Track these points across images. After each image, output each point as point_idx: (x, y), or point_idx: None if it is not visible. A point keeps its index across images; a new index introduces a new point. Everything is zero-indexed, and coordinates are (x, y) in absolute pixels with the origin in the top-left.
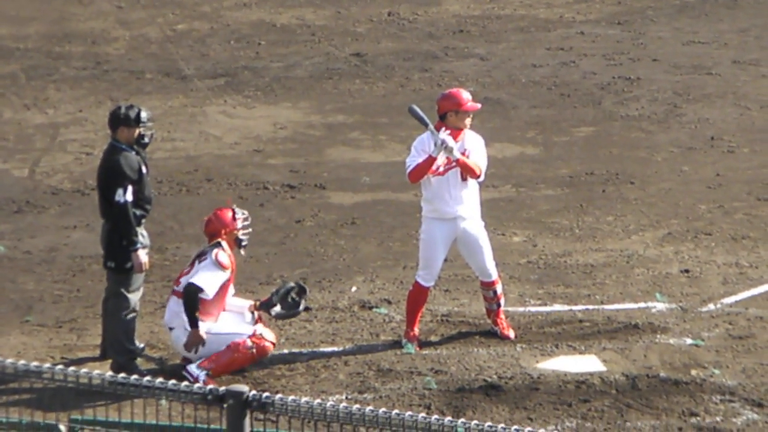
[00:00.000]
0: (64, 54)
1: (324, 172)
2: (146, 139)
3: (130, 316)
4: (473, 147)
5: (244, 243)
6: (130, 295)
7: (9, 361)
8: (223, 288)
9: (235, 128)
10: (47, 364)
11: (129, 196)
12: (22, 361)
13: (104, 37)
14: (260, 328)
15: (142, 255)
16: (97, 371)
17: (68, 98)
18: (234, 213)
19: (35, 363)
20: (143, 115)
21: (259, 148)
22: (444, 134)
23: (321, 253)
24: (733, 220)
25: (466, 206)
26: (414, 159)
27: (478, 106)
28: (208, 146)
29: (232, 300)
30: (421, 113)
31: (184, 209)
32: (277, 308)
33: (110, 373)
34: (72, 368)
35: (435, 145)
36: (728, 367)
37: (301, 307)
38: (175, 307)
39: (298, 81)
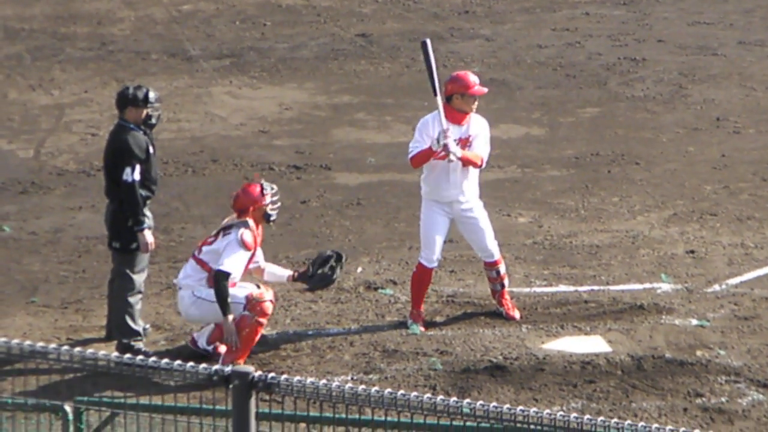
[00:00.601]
0: (70, 35)
1: (329, 152)
2: (153, 120)
3: (136, 296)
4: (477, 132)
5: (272, 218)
6: (135, 276)
7: (15, 341)
8: (245, 265)
9: (241, 109)
10: (53, 345)
11: (137, 176)
12: (27, 342)
13: (110, 18)
14: (254, 291)
15: (148, 235)
16: (102, 352)
17: (73, 79)
18: (262, 188)
19: (41, 344)
20: (151, 95)
21: (264, 129)
22: (449, 140)
23: (326, 233)
24: (738, 201)
25: (465, 190)
26: (416, 145)
27: (485, 90)
28: (214, 127)
29: (270, 268)
30: (431, 55)
31: (189, 190)
32: (316, 275)
33: (116, 354)
34: (77, 349)
35: (437, 141)
36: (733, 348)
37: (336, 274)
38: (191, 271)
39: (303, 62)
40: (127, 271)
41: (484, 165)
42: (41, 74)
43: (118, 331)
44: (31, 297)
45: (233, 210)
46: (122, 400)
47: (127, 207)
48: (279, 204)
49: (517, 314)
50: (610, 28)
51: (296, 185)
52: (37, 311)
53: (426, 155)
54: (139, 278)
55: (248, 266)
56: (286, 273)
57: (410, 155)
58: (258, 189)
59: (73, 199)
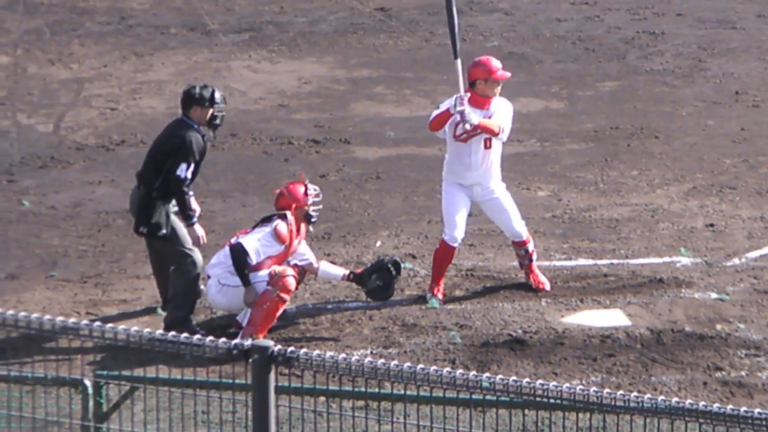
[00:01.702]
0: (89, 9)
1: (349, 126)
2: (218, 121)
3: (193, 271)
4: (497, 108)
5: (313, 219)
6: (186, 251)
7: (34, 316)
8: (276, 257)
9: (260, 83)
10: (72, 320)
11: (189, 174)
12: (47, 317)
13: None
14: (277, 267)
15: (198, 229)
16: (122, 327)
17: (93, 53)
18: (306, 188)
19: (60, 318)
20: (217, 96)
21: (283, 103)
22: (465, 106)
23: (346, 208)
24: (758, 174)
25: (485, 174)
26: (437, 110)
27: (508, 75)
28: (233, 101)
29: (324, 266)
30: (455, 15)
31: (209, 165)
32: (373, 283)
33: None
34: (97, 323)
35: (454, 105)
36: (753, 322)
37: (392, 288)
38: (223, 258)
39: (322, 36)
40: (178, 248)
41: (504, 136)
42: (60, 49)
43: (174, 303)
44: (50, 271)
45: (275, 207)
46: (142, 375)
47: (177, 202)
48: (321, 206)
49: (547, 285)
50: (629, 1)
51: (315, 159)
52: (56, 285)
53: (444, 118)
54: (189, 253)
55: (282, 260)
56: (340, 272)
57: (430, 118)
58: (302, 189)
59: (92, 173)
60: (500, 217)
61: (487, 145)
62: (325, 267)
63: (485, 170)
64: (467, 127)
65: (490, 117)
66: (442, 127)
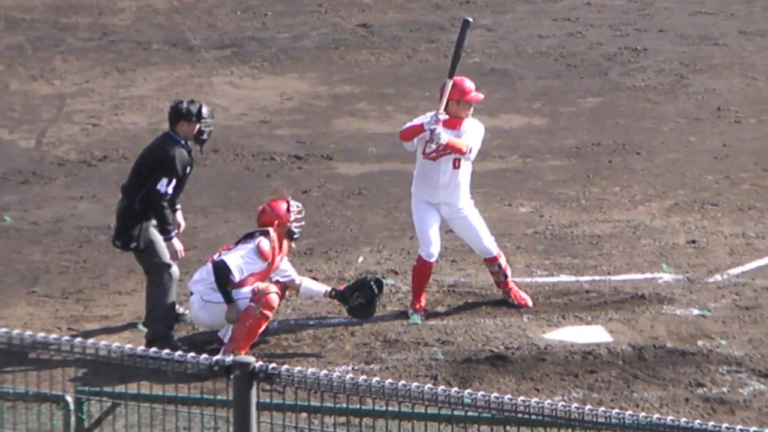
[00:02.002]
0: (71, 25)
1: (331, 142)
2: (205, 136)
3: (169, 284)
4: (467, 129)
5: (296, 236)
6: (162, 265)
7: (16, 332)
8: (258, 274)
9: (242, 99)
10: (54, 335)
11: (170, 189)
12: (28, 332)
13: (111, 8)
14: (260, 284)
15: (177, 243)
16: (103, 342)
17: (75, 69)
18: (289, 205)
19: (42, 334)
20: (204, 111)
21: (265, 119)
22: (438, 126)
23: (328, 223)
24: (739, 191)
25: (453, 193)
26: (410, 122)
27: (481, 96)
28: (215, 117)
29: (306, 282)
30: (466, 37)
31: (191, 180)
32: (355, 301)
33: (129, 345)
34: (78, 339)
35: (429, 122)
36: (735, 338)
37: (374, 306)
38: (205, 274)
39: (304, 52)
40: (155, 260)
41: (470, 155)
42: (42, 64)
43: (153, 317)
44: (31, 287)
45: (257, 224)
46: (123, 391)
47: (155, 216)
48: (303, 223)
49: (529, 301)
50: (611, 17)
51: (297, 175)
52: (37, 301)
53: (416, 130)
54: (167, 267)
55: (265, 277)
56: (322, 289)
57: (402, 128)
58: (284, 206)
59: (74, 189)
60: (469, 234)
61: (456, 165)
62: (307, 284)
63: (453, 190)
64: (433, 146)
65: (460, 137)
66: (412, 139)
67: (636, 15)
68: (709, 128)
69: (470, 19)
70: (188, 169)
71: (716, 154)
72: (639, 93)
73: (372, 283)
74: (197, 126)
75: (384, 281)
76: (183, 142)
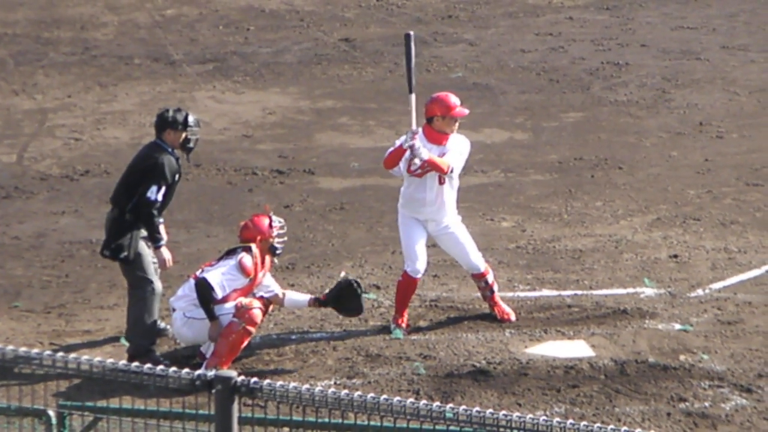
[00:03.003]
0: (53, 39)
1: (313, 157)
2: (191, 144)
3: (150, 298)
4: (451, 147)
5: (278, 251)
6: (145, 278)
7: None
8: (241, 290)
9: (224, 113)
10: (36, 350)
11: (159, 196)
12: (10, 347)
13: (93, 23)
14: (243, 299)
15: (165, 252)
16: (85, 357)
17: (57, 84)
18: (271, 221)
19: (24, 348)
20: (190, 119)
21: (248, 134)
22: (415, 140)
23: (310, 238)
24: (721, 206)
25: (439, 210)
26: (391, 148)
27: (466, 112)
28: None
29: (290, 294)
30: (413, 50)
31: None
32: (343, 304)
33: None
34: (60, 354)
35: (406, 140)
36: (717, 353)
37: (362, 300)
38: (188, 290)
39: (287, 66)
40: (138, 273)
41: (453, 172)
42: (24, 79)
43: (135, 332)
44: (13, 302)
45: (239, 239)
46: (105, 405)
47: (144, 224)
48: (285, 238)
49: (512, 316)
50: (593, 32)
51: (279, 190)
52: (20, 316)
53: (397, 154)
54: (150, 281)
55: (248, 292)
56: (306, 298)
57: (384, 156)
58: (267, 221)
59: (56, 203)
60: (456, 250)
61: (442, 181)
62: (291, 295)
63: (439, 206)
64: (417, 162)
65: (445, 153)
66: (397, 164)
67: (618, 30)
68: (691, 143)
69: (412, 33)
70: (177, 176)
71: (698, 168)
72: (621, 108)
73: (353, 282)
74: (183, 134)
75: (366, 296)
76: (170, 150)
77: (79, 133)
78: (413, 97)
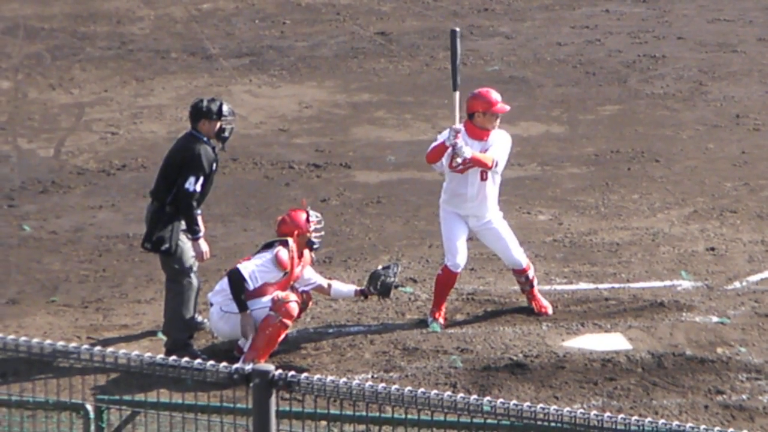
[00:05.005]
0: (89, 34)
1: (349, 151)
2: (226, 133)
3: (188, 292)
4: (495, 141)
5: (316, 246)
6: (183, 271)
7: (35, 341)
8: (277, 284)
9: (261, 107)
10: (73, 344)
11: (198, 187)
12: (48, 341)
13: (129, 17)
14: (280, 293)
15: (203, 244)
16: (123, 351)
17: (93, 78)
18: (308, 215)
19: (61, 343)
20: (225, 108)
21: (284, 128)
22: (458, 140)
23: (346, 232)
24: (758, 198)
25: (480, 205)
26: (434, 142)
27: (507, 108)
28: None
29: (336, 285)
30: (458, 47)
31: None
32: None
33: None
34: (98, 348)
35: (448, 138)
36: (754, 345)
37: (392, 278)
38: (225, 285)
39: (323, 60)
40: (176, 266)
41: (498, 168)
42: (61, 73)
43: (173, 327)
44: (51, 296)
45: (277, 233)
46: (143, 399)
47: (184, 215)
48: (323, 233)
49: (550, 309)
50: (629, 25)
51: (316, 183)
52: (57, 310)
53: (440, 150)
54: (187, 274)
55: (285, 286)
56: (352, 289)
57: (427, 150)
58: (304, 216)
59: (93, 198)
60: (498, 245)
61: (484, 177)
62: (337, 286)
63: (481, 202)
64: (459, 160)
65: (487, 149)
66: (439, 159)
67: (654, 22)
68: (727, 135)
69: (458, 29)
70: (214, 166)
71: (735, 161)
72: (658, 100)
73: (383, 267)
74: (218, 124)
75: (403, 289)
76: (206, 140)
77: (116, 127)
78: (457, 94)
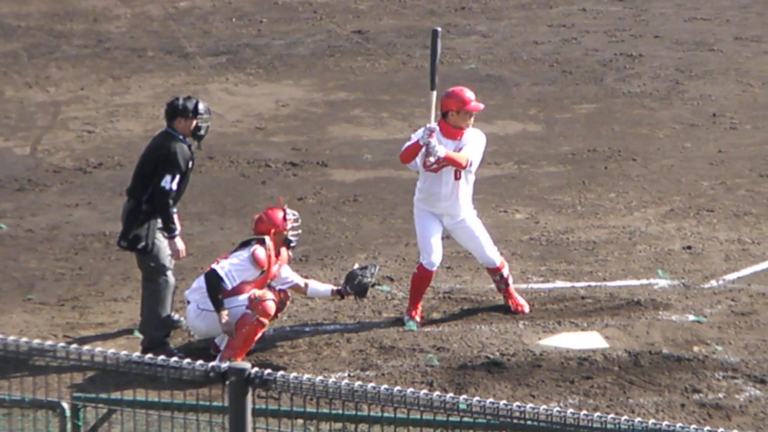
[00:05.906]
0: (66, 32)
1: (326, 149)
2: (202, 131)
3: (165, 291)
4: (469, 140)
5: (293, 244)
6: (159, 270)
7: (11, 339)
8: (254, 282)
9: (237, 106)
10: (49, 342)
11: (174, 185)
12: (24, 339)
13: (106, 15)
14: (257, 291)
15: (179, 242)
16: (99, 349)
17: (70, 76)
18: (285, 213)
19: (37, 341)
20: (200, 107)
21: (261, 126)
22: (432, 138)
23: (323, 230)
24: (735, 197)
25: (456, 204)
26: (409, 141)
27: (481, 106)
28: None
29: (313, 284)
30: (439, 47)
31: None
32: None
33: (125, 352)
34: (74, 346)
35: (422, 137)
36: (731, 344)
37: (368, 278)
38: (202, 282)
39: (299, 58)
40: (152, 264)
41: (471, 167)
42: (37, 71)
43: (149, 325)
44: (27, 294)
45: (254, 232)
46: (119, 397)
47: (160, 214)
48: (300, 231)
49: (526, 307)
50: (606, 24)
51: (293, 182)
52: (33, 308)
53: (414, 149)
54: (164, 272)
55: (262, 285)
56: (328, 288)
57: (401, 150)
58: (281, 214)
59: (69, 196)
60: (471, 244)
61: (457, 176)
62: (314, 285)
63: (454, 201)
64: (432, 159)
65: (461, 148)
66: (413, 158)
67: (631, 21)
68: (704, 134)
69: (439, 29)
70: (190, 164)
71: (712, 160)
72: (634, 99)
73: (360, 267)
74: (194, 122)
75: (379, 288)
76: (182, 138)
77: (93, 125)
78: (434, 94)
